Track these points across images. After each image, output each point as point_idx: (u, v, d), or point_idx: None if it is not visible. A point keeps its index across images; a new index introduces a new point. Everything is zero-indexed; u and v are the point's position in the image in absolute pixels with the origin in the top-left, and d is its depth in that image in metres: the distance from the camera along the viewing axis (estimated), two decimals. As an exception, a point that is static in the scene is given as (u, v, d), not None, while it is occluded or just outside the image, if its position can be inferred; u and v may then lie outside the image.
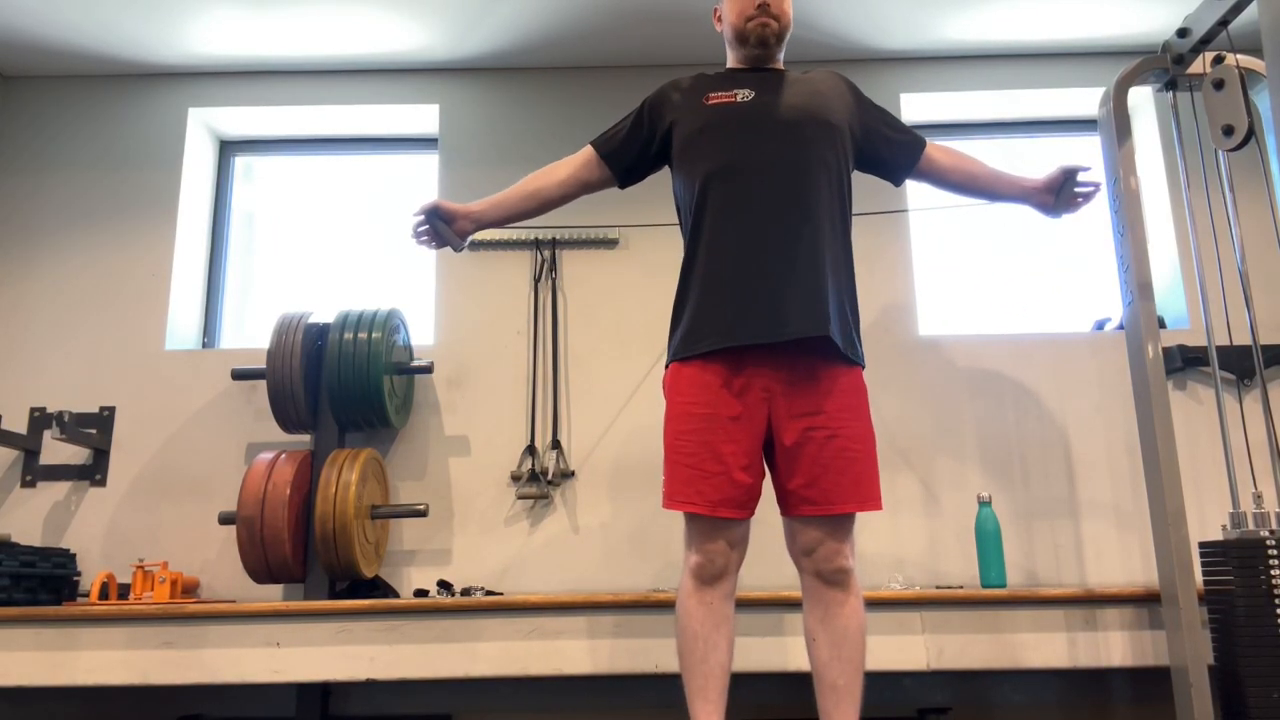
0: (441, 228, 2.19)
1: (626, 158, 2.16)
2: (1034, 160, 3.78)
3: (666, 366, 1.99)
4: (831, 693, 1.85)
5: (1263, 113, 2.34)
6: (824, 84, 2.08)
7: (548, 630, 2.53)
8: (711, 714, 1.84)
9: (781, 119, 1.97)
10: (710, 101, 2.01)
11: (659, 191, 2.40)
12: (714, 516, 1.84)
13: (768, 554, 2.55)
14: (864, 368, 1.99)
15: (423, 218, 2.18)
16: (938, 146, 2.22)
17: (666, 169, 2.19)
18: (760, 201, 1.91)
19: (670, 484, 1.89)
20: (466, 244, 2.25)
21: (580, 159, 2.19)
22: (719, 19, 2.16)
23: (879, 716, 2.87)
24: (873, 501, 1.87)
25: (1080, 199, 2.27)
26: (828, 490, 1.84)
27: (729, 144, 1.96)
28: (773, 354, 1.87)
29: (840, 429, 1.86)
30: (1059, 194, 2.27)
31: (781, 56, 2.14)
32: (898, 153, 2.17)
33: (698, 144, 2.00)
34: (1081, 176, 2.25)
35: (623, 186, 2.23)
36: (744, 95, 2.00)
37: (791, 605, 2.48)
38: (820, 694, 1.87)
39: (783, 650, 2.48)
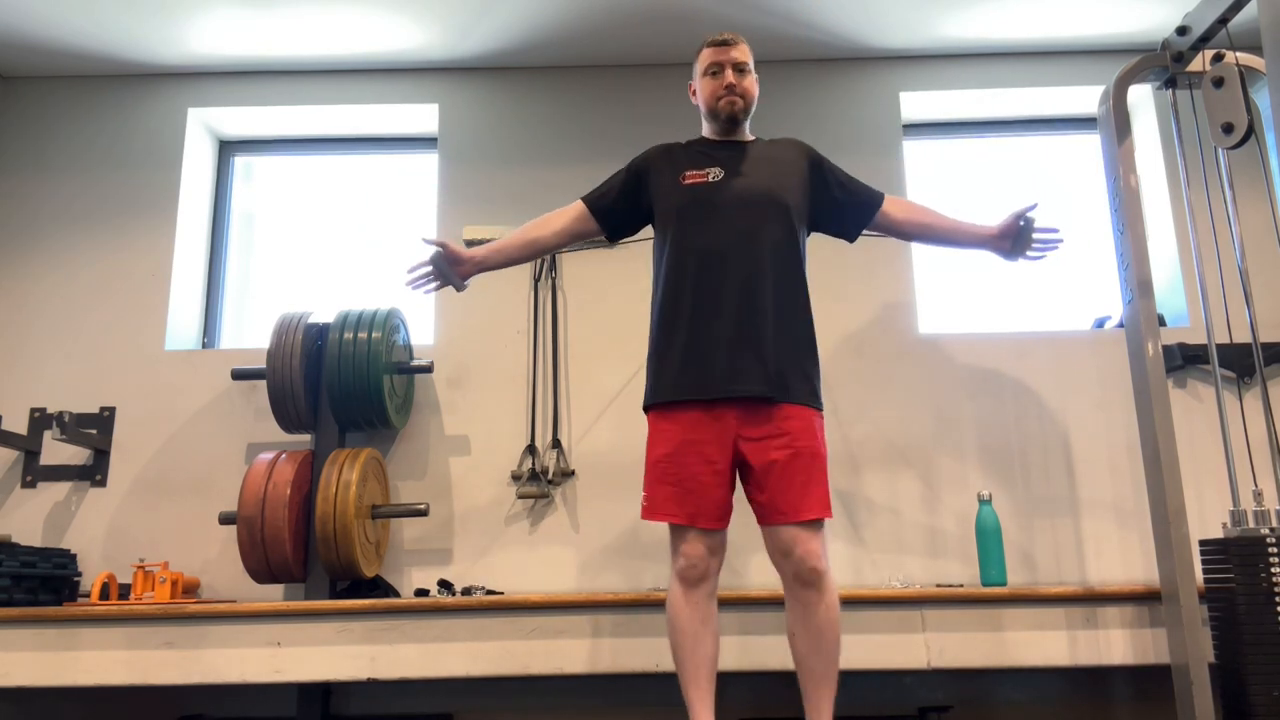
0: (445, 269, 2.33)
1: (614, 218, 2.38)
2: (1035, 158, 3.78)
3: (646, 409, 2.21)
4: (811, 680, 2.09)
5: (1262, 110, 2.34)
6: (784, 159, 2.30)
7: (548, 630, 2.54)
8: (703, 697, 2.08)
9: (745, 200, 2.21)
10: (686, 181, 2.25)
11: (659, 190, 2.41)
12: (694, 527, 2.08)
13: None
14: (819, 410, 2.18)
15: (427, 259, 2.34)
16: (894, 201, 2.40)
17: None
18: (726, 275, 2.14)
19: (651, 499, 2.14)
20: (467, 285, 2.41)
21: (573, 212, 2.38)
22: (694, 93, 2.39)
23: (880, 715, 2.87)
24: (825, 509, 2.10)
25: (1040, 245, 2.40)
26: (795, 501, 2.08)
27: (700, 224, 2.20)
28: (739, 403, 2.11)
29: (801, 448, 2.10)
30: (1016, 239, 2.37)
31: (748, 127, 2.36)
32: (850, 216, 2.38)
33: (674, 222, 2.24)
34: (1043, 224, 2.38)
35: (611, 241, 2.44)
36: (715, 175, 2.25)
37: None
38: (802, 681, 2.12)
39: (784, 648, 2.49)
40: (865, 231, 2.40)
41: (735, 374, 2.10)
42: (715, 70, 2.29)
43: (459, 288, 2.37)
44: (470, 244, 3.47)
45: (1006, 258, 2.41)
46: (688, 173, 2.26)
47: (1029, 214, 2.36)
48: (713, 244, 2.17)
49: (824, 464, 2.13)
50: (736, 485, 2.17)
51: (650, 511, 2.13)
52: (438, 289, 2.38)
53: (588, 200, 2.38)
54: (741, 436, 2.10)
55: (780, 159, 2.30)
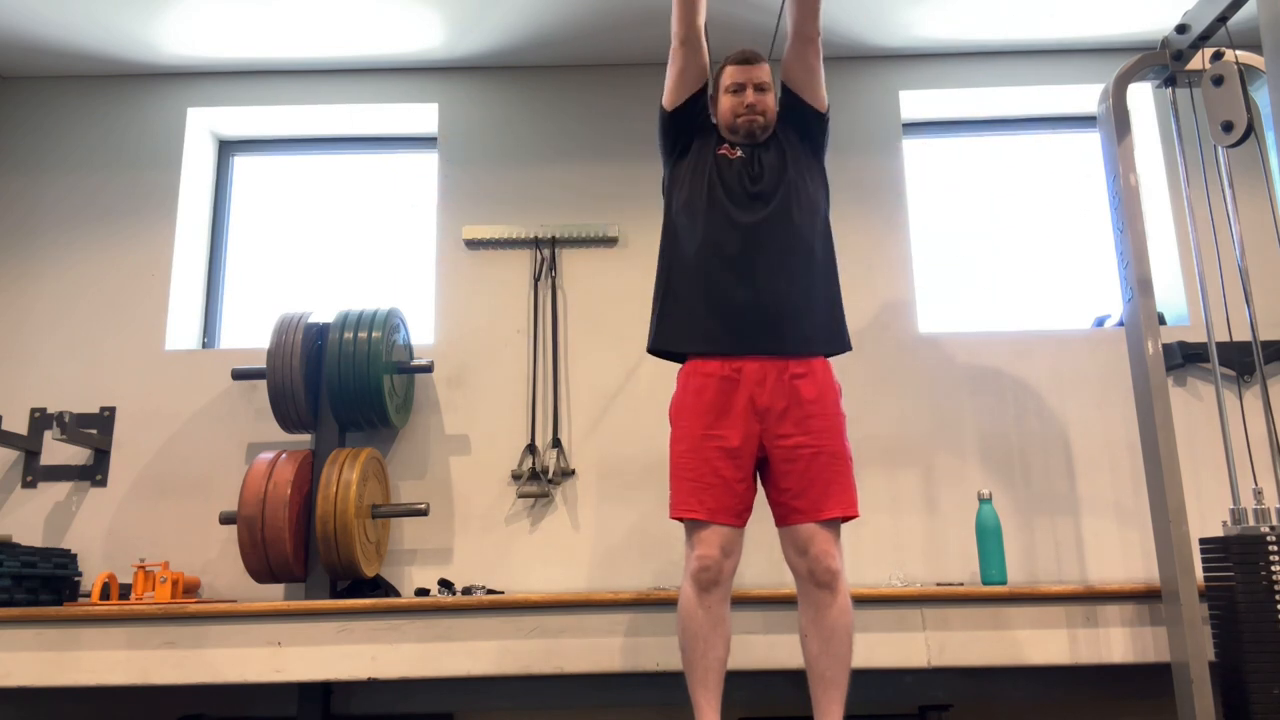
0: None
1: (701, 96, 2.32)
2: (1034, 157, 3.77)
3: (652, 351, 2.27)
4: (820, 682, 2.08)
5: (1262, 109, 2.34)
6: (787, 142, 2.32)
7: (548, 629, 2.54)
8: (710, 700, 2.08)
9: (769, 175, 2.26)
10: (720, 151, 2.30)
11: (658, 189, 2.41)
12: (713, 522, 2.09)
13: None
14: (835, 354, 2.23)
15: None
16: (786, 60, 2.32)
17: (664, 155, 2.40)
18: (742, 251, 2.18)
19: (675, 495, 2.15)
20: None
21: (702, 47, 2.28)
22: (713, 104, 2.40)
23: (880, 714, 2.87)
24: (852, 508, 2.14)
25: None
26: (816, 500, 2.10)
27: (721, 196, 2.24)
28: (765, 371, 2.14)
29: (824, 447, 2.13)
30: None
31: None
32: (794, 97, 2.32)
33: (701, 184, 2.27)
34: None
35: (669, 107, 2.32)
36: (742, 154, 2.29)
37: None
38: (811, 683, 2.10)
39: (789, 647, 2.49)
40: (796, 60, 2.30)
41: (760, 333, 2.14)
42: (737, 89, 2.31)
43: None
44: (470, 244, 3.49)
45: None
46: (725, 145, 2.31)
47: None
48: (726, 220, 2.21)
49: (848, 464, 2.15)
50: (758, 489, 2.19)
51: (674, 509, 2.15)
52: None
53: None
54: (767, 432, 2.12)
55: (784, 147, 2.33)
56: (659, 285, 2.29)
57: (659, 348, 2.27)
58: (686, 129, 2.34)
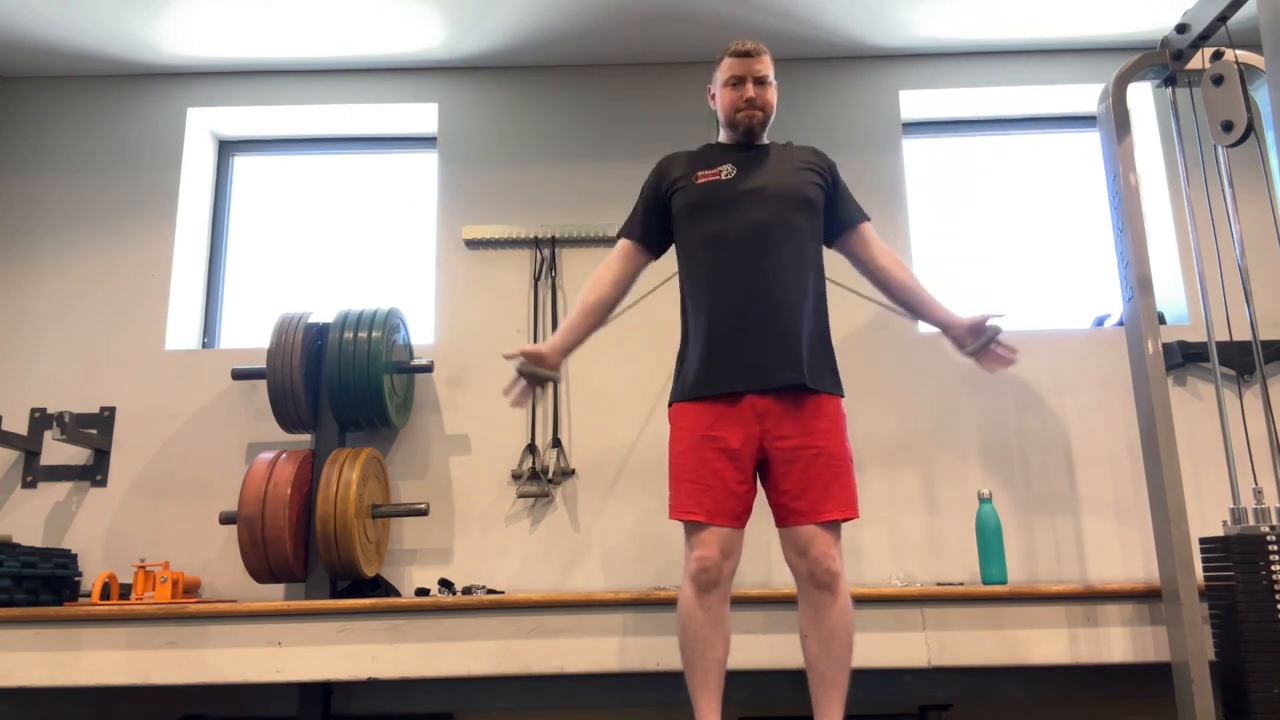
0: (534, 370, 2.25)
1: (653, 234, 2.37)
2: (1034, 156, 3.78)
3: (670, 404, 2.24)
4: (821, 682, 2.08)
5: (1262, 108, 2.35)
6: (800, 158, 2.33)
7: (548, 629, 2.54)
8: (710, 700, 2.08)
9: (759, 193, 2.23)
10: (700, 180, 2.28)
11: (658, 189, 2.41)
12: (712, 524, 2.08)
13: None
14: (843, 397, 2.21)
15: (516, 372, 2.26)
16: (876, 237, 2.40)
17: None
18: (744, 267, 2.17)
19: (675, 497, 2.15)
20: (559, 374, 2.35)
21: (619, 254, 2.38)
22: (713, 98, 2.40)
23: (880, 713, 2.87)
24: (852, 510, 2.12)
25: (993, 359, 2.32)
26: (815, 501, 2.09)
27: (716, 217, 2.23)
28: (763, 394, 2.13)
29: (824, 448, 2.11)
30: (977, 339, 2.30)
31: (765, 135, 2.37)
32: (834, 218, 2.36)
33: (691, 218, 2.27)
34: (1005, 340, 2.31)
35: (657, 257, 2.42)
36: (727, 172, 2.27)
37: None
38: (812, 683, 2.11)
39: (789, 647, 2.49)
40: (840, 252, 2.40)
41: (759, 366, 2.12)
42: (736, 82, 2.30)
43: (556, 380, 2.43)
44: (470, 244, 3.49)
45: (960, 350, 2.36)
46: (700, 172, 2.28)
47: (997, 323, 2.30)
48: (727, 236, 2.19)
49: (848, 465, 2.14)
50: (758, 490, 2.18)
51: (674, 510, 2.14)
52: (541, 393, 2.34)
53: (625, 235, 2.38)
54: (767, 433, 2.11)
55: (796, 157, 2.33)
56: (682, 342, 2.28)
57: (674, 401, 2.25)
58: (665, 224, 2.35)
